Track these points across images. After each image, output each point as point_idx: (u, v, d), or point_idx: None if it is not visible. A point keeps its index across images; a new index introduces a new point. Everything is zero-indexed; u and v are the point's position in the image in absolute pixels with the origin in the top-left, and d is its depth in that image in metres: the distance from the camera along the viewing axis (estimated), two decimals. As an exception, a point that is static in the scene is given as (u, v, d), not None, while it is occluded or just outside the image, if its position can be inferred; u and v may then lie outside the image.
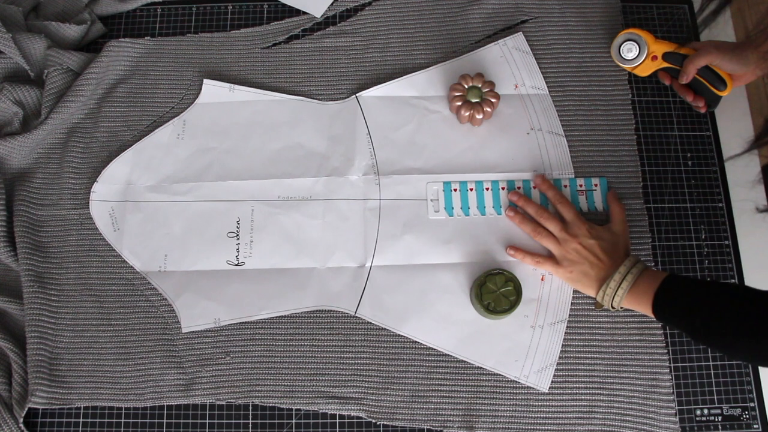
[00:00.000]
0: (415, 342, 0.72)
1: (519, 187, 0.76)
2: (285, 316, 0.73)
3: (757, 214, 0.63)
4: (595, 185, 0.76)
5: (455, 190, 0.76)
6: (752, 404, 0.71)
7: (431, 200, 0.76)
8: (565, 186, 0.76)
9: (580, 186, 0.76)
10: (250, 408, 0.71)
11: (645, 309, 0.65)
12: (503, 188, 0.76)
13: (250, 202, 0.77)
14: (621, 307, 0.68)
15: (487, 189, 0.76)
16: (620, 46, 0.78)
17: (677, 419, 0.69)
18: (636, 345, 0.71)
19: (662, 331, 0.72)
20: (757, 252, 0.75)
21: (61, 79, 0.80)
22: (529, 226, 0.73)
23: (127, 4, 0.85)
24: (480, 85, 0.76)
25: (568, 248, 0.70)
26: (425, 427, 0.70)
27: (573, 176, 0.76)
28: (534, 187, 0.76)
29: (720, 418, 0.70)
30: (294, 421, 0.71)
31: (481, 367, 0.71)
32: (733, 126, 0.79)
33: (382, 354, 0.72)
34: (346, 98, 0.80)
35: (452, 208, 0.75)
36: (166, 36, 0.85)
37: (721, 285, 0.68)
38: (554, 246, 0.71)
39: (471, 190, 0.76)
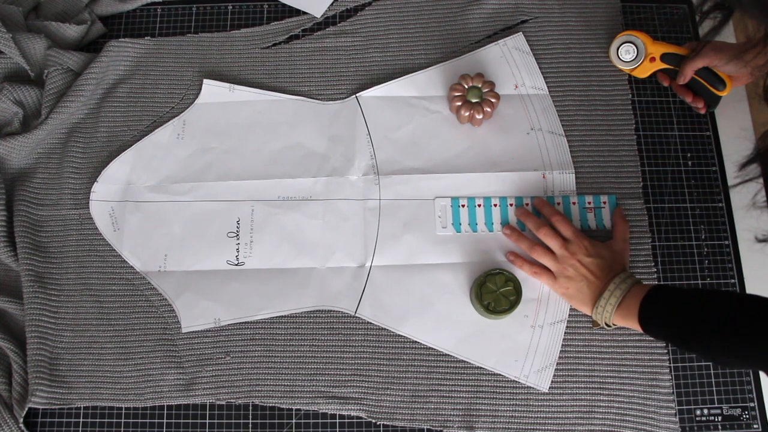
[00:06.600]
0: (415, 342, 0.72)
1: (527, 204, 0.76)
2: (285, 316, 0.73)
3: (758, 213, 0.63)
4: (604, 203, 0.75)
5: (463, 206, 0.76)
6: (752, 404, 0.71)
7: (438, 216, 0.75)
8: (574, 203, 0.76)
9: (589, 203, 0.76)
10: (250, 408, 0.71)
11: (634, 324, 0.64)
12: (511, 204, 0.75)
13: (250, 202, 0.77)
14: (614, 324, 0.68)
15: (495, 205, 0.75)
16: (618, 49, 0.78)
17: (677, 419, 0.69)
18: (636, 345, 0.71)
19: (662, 331, 0.72)
20: (757, 252, 0.75)
21: (61, 79, 0.80)
22: (525, 243, 0.72)
23: (127, 4, 0.85)
24: (480, 85, 0.76)
25: (566, 265, 0.69)
26: (425, 427, 0.70)
27: (574, 178, 0.76)
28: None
29: (720, 418, 0.70)
30: (294, 421, 0.71)
31: (481, 367, 0.71)
32: (733, 126, 0.79)
33: (382, 354, 0.72)
34: (346, 98, 0.81)
35: (460, 224, 0.75)
36: (166, 36, 0.85)
37: (705, 292, 0.68)
38: (552, 263, 0.70)
39: (479, 206, 0.75)
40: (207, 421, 0.71)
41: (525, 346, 0.71)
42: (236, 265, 0.75)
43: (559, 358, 0.71)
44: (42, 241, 0.77)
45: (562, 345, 0.71)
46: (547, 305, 0.72)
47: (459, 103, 0.76)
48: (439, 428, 0.70)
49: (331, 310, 0.73)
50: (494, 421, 0.69)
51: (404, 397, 0.71)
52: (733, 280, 0.74)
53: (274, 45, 0.84)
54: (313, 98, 0.81)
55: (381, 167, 0.78)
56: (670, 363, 0.71)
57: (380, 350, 0.72)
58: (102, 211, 0.77)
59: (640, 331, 0.64)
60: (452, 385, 0.71)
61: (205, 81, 0.81)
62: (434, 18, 0.84)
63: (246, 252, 0.75)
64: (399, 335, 0.72)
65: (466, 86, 0.77)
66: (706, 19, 0.60)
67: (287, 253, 0.75)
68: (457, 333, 0.72)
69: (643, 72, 0.79)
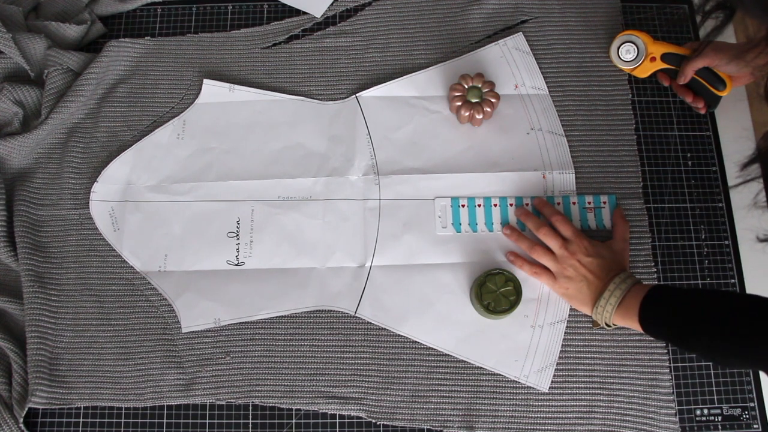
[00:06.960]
0: (415, 342, 0.72)
1: (527, 204, 0.76)
2: (285, 316, 0.73)
3: (759, 213, 0.63)
4: (604, 202, 0.75)
5: (463, 206, 0.75)
6: (752, 404, 0.71)
7: (438, 216, 0.75)
8: (574, 203, 0.76)
9: (589, 203, 0.75)
10: (250, 408, 0.71)
11: (634, 324, 0.64)
12: (511, 204, 0.75)
13: (250, 202, 0.77)
14: (614, 324, 0.68)
15: (495, 205, 0.75)
16: (619, 48, 0.78)
17: (677, 419, 0.69)
18: (636, 345, 0.71)
19: (662, 331, 0.72)
20: (757, 252, 0.75)
21: (61, 79, 0.80)
22: (525, 243, 0.72)
23: (127, 4, 0.85)
24: (480, 85, 0.76)
25: (566, 265, 0.69)
26: (425, 427, 0.70)
27: (574, 178, 0.76)
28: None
29: (720, 418, 0.70)
30: (294, 421, 0.71)
31: (481, 367, 0.71)
32: (733, 126, 0.79)
33: (382, 354, 0.72)
34: (346, 98, 0.81)
35: (460, 224, 0.75)
36: (166, 36, 0.85)
37: (706, 292, 0.68)
38: (552, 263, 0.70)
39: (479, 206, 0.75)
40: (207, 421, 0.71)
41: (525, 346, 0.71)
42: (236, 265, 0.75)
43: (559, 358, 0.71)
44: (42, 241, 0.77)
45: (562, 345, 0.71)
46: (547, 305, 0.72)
47: (459, 103, 0.76)
48: (439, 428, 0.70)
49: (331, 310, 0.73)
50: (494, 421, 0.69)
51: (404, 397, 0.71)
52: (733, 280, 0.74)
53: (274, 45, 0.84)
54: (313, 98, 0.81)
55: (381, 167, 0.78)
56: (670, 363, 0.71)
57: (380, 350, 0.72)
58: (102, 211, 0.77)
59: (640, 331, 0.64)
60: (452, 385, 0.71)
61: (205, 81, 0.81)
62: (434, 18, 0.84)
63: (246, 252, 0.75)
64: (399, 335, 0.72)
65: (466, 86, 0.77)
66: (708, 19, 0.60)
67: (287, 253, 0.75)
68: (457, 333, 0.72)
69: (644, 72, 0.79)
